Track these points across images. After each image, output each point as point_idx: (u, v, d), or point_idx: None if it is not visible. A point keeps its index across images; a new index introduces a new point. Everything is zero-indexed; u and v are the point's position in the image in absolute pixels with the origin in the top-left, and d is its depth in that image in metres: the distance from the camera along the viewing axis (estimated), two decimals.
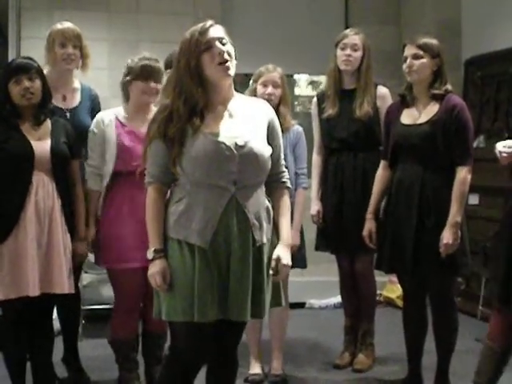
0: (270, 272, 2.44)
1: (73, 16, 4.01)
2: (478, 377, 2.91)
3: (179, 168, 2.39)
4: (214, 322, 2.39)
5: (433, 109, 3.25)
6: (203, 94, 2.41)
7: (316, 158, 3.96)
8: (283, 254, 2.45)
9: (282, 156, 2.63)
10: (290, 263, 2.46)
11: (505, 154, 2.75)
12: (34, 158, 3.06)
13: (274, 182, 2.58)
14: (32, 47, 3.65)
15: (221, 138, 2.39)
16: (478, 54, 5.26)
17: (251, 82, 3.70)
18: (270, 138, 2.52)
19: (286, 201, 2.58)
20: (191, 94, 2.39)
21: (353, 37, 3.80)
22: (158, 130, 2.42)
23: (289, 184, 2.63)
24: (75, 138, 3.28)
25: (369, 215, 3.52)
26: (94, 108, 3.66)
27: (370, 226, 3.50)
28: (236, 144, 2.38)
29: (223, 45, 2.41)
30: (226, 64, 2.40)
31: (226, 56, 2.40)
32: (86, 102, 3.63)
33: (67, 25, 3.57)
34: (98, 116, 3.33)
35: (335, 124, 3.81)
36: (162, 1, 5.46)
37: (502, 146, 2.78)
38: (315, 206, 3.90)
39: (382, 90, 3.82)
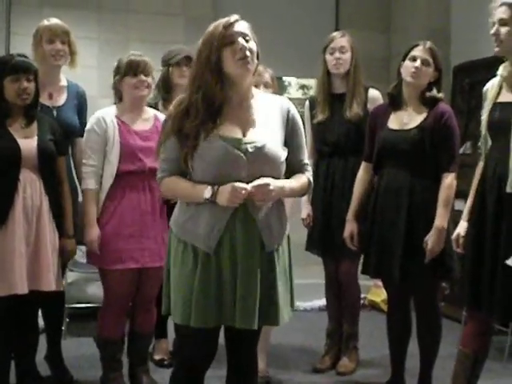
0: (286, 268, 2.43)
1: (63, 14, 3.99)
2: (454, 382, 2.92)
3: (190, 167, 2.35)
4: (215, 328, 2.36)
5: (421, 114, 3.27)
6: (222, 91, 2.34)
7: None
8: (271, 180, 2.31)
9: (305, 153, 2.53)
10: (273, 188, 2.31)
11: None
12: (21, 155, 3.05)
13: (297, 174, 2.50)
14: (21, 44, 3.63)
15: (232, 143, 2.31)
16: (467, 60, 5.29)
17: None
18: (289, 138, 2.46)
19: (299, 177, 2.48)
20: (210, 89, 2.32)
21: (340, 39, 3.81)
22: (173, 126, 2.36)
23: (311, 178, 2.53)
24: (61, 135, 3.27)
25: (350, 217, 3.53)
26: (81, 105, 3.64)
27: (351, 227, 3.52)
28: (247, 150, 2.31)
29: (246, 41, 2.36)
30: (247, 59, 2.34)
31: (247, 52, 2.34)
32: (73, 99, 3.60)
33: (54, 21, 3.55)
34: (98, 115, 3.25)
35: (326, 128, 3.82)
36: (152, 0, 5.46)
37: None
38: (305, 210, 3.91)
39: (374, 93, 3.83)
